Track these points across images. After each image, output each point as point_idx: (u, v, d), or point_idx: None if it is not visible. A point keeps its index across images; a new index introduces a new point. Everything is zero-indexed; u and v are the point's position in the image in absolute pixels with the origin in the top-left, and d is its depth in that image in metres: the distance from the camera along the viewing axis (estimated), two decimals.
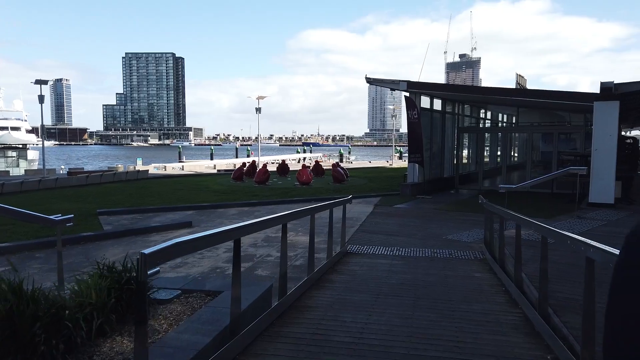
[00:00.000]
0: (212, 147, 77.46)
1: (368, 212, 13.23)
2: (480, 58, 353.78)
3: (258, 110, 36.54)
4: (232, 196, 16.31)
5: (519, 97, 14.98)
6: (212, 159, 54.82)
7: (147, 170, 25.42)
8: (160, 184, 20.76)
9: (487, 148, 24.09)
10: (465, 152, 21.86)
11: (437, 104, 19.52)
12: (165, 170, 37.39)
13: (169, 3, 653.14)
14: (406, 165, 42.47)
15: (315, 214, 6.40)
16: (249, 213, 13.20)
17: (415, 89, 16.94)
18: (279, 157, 53.40)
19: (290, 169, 20.00)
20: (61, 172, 34.48)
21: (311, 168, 25.04)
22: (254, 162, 22.12)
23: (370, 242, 9.28)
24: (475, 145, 22.66)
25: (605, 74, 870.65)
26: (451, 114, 20.79)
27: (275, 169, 24.83)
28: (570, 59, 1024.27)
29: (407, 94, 16.93)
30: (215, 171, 33.69)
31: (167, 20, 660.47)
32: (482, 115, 24.38)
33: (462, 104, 20.96)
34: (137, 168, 29.36)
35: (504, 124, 23.59)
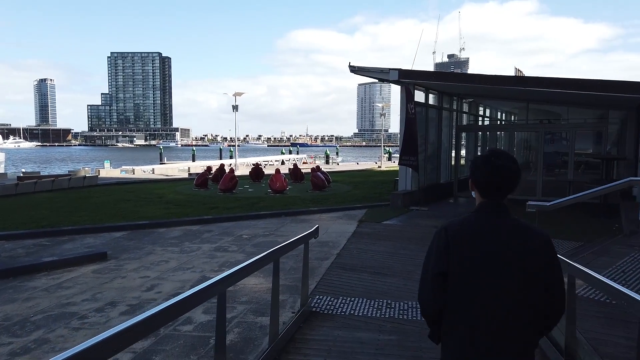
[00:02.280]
0: (194, 148, 74.75)
1: (350, 232, 10.32)
2: (468, 58, 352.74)
3: (235, 107, 33.63)
4: (186, 209, 13.30)
5: (538, 89, 12.23)
6: (194, 160, 53.08)
7: (97, 176, 22.23)
8: (106, 192, 17.65)
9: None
10: (463, 154, 19.06)
11: (432, 99, 16.71)
12: (134, 173, 34.23)
13: (155, 2, 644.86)
14: (396, 167, 39.52)
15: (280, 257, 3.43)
16: (195, 235, 10.21)
17: (409, 78, 14.07)
18: (257, 159, 50.40)
19: (277, 172, 17.04)
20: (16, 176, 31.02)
21: (290, 172, 22.12)
22: (222, 165, 19.16)
23: (348, 290, 6.37)
24: (476, 145, 19.90)
25: (591, 74, 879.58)
26: (448, 110, 17.96)
27: (248, 173, 21.81)
28: (557, 59, 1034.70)
29: (406, 84, 14.07)
30: (186, 175, 30.56)
31: (154, 20, 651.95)
32: (482, 113, 21.63)
33: (461, 100, 18.16)
34: (86, 174, 26.13)
35: (510, 122, 20.84)
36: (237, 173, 19.34)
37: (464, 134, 18.68)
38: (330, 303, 5.82)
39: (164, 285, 6.68)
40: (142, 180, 23.47)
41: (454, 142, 18.61)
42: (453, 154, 18.20)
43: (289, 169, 22.41)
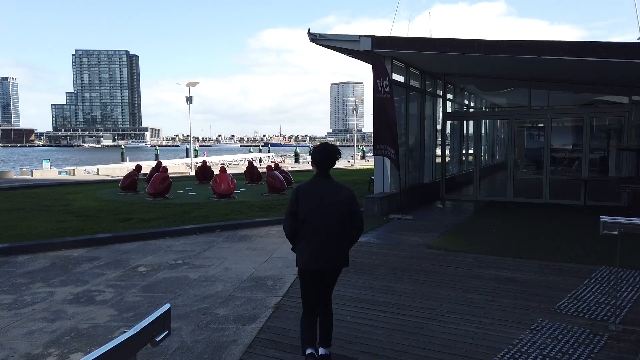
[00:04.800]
0: (157, 148, 71.08)
1: None
2: None
3: (189, 99, 29.94)
4: (87, 222, 9.71)
5: (548, 56, 9.17)
6: (123, 160, 52.82)
7: None
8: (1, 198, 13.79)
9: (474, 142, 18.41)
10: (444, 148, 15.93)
11: (414, 81, 13.54)
12: (74, 174, 30.18)
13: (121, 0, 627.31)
14: (370, 166, 36.31)
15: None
16: (65, 267, 6.64)
17: (385, 48, 10.81)
18: (220, 158, 46.75)
19: (221, 171, 13.59)
20: None
21: (245, 172, 18.62)
22: (159, 164, 15.58)
23: None
24: (465, 137, 16.86)
25: None
26: (432, 95, 14.84)
27: (194, 174, 18.18)
28: None
29: (381, 57, 10.79)
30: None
31: (121, 18, 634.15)
32: (473, 103, 18.61)
33: (447, 84, 15.03)
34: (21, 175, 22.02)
35: (509, 108, 17.73)
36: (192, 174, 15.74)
37: (450, 124, 15.57)
38: None
39: None
40: (64, 183, 19.54)
41: (439, 135, 15.53)
42: (439, 149, 15.09)
43: (246, 168, 18.90)
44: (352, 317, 4.66)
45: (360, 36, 10.92)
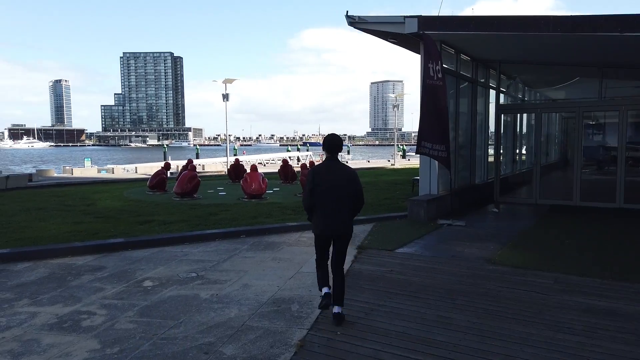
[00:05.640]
0: (198, 147, 71.85)
1: None
2: None
3: (225, 97, 29.25)
4: (105, 224, 8.93)
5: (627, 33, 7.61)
6: (197, 158, 52.24)
7: (28, 176, 18.07)
8: (25, 197, 13.34)
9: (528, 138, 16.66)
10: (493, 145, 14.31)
11: (465, 69, 12.11)
12: (113, 173, 30.26)
13: (167, 2, 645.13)
14: (411, 165, 34.59)
15: None
16: (63, 279, 5.75)
17: (434, 29, 9.47)
18: (257, 157, 46.26)
19: (252, 169, 12.64)
20: None
21: (279, 171, 17.63)
22: (189, 162, 14.81)
23: None
24: (517, 135, 15.22)
25: None
26: (484, 86, 13.34)
27: (226, 172, 17.34)
28: None
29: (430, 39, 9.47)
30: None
31: (165, 20, 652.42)
32: (529, 97, 16.88)
33: (501, 71, 13.45)
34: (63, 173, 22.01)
35: (577, 100, 15.79)
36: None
37: (505, 118, 13.96)
38: None
39: None
40: (95, 181, 19.20)
41: (491, 130, 13.98)
42: (491, 146, 13.54)
43: (280, 166, 17.90)
44: None
45: (405, 17, 9.63)
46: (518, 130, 15.50)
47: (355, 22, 10.19)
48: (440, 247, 7.33)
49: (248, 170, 13.44)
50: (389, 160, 39.41)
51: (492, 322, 4.29)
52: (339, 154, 4.58)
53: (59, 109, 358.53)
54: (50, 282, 5.62)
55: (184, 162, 19.77)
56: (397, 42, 11.24)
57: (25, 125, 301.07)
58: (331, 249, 4.40)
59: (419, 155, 10.13)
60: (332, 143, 4.43)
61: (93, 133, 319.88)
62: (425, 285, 5.38)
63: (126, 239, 7.55)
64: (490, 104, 13.93)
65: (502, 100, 13.94)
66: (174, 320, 4.41)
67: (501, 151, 13.46)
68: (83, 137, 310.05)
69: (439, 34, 9.60)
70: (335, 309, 4.27)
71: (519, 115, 15.12)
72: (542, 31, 8.39)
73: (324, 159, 4.61)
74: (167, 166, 15.61)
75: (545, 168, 15.60)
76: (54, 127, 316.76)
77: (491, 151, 13.86)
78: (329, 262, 4.45)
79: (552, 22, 8.32)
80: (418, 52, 10.55)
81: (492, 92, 13.71)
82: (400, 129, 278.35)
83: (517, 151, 15.75)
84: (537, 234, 8.36)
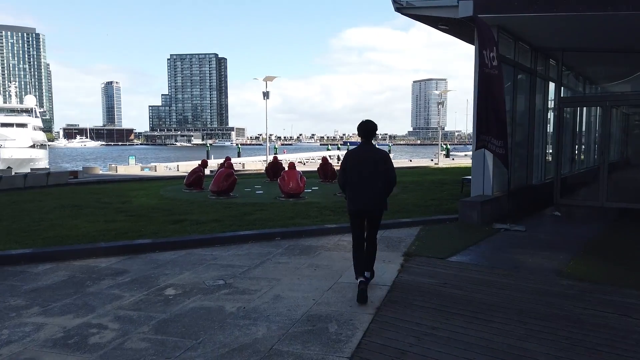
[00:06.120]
0: (239, 146, 72.48)
1: (383, 285, 5.05)
2: None
3: (266, 95, 29.03)
4: (136, 223, 8.54)
5: None
6: (238, 156, 52.74)
7: (73, 175, 18.25)
8: (64, 193, 13.30)
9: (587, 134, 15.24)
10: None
11: (523, 58, 11.00)
12: (156, 171, 30.69)
13: (211, 5, 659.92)
14: (456, 165, 33.25)
15: None
16: (81, 283, 5.28)
17: (491, 12, 8.51)
18: (297, 155, 45.84)
19: (290, 167, 12.08)
20: None
21: (318, 169, 16.99)
22: (227, 159, 14.39)
23: None
24: (577, 132, 13.90)
25: None
26: (544, 78, 12.16)
27: (264, 170, 16.85)
28: None
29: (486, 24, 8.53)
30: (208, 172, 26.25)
31: (211, 21, 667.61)
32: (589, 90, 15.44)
33: (563, 60, 12.20)
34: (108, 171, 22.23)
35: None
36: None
37: (567, 112, 12.70)
38: None
39: None
40: (135, 179, 19.19)
41: (550, 125, 12.78)
42: (549, 145, 12.35)
43: (319, 165, 17.26)
44: None
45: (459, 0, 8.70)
46: (577, 126, 14.17)
47: (403, 7, 9.38)
48: (500, 256, 6.41)
49: (286, 169, 12.87)
50: (432, 160, 38.02)
51: (580, 356, 3.42)
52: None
53: (109, 109, 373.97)
54: (66, 288, 5.16)
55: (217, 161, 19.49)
56: (449, 29, 10.33)
57: (78, 125, 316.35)
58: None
59: (468, 154, 9.20)
60: (366, 127, 4.86)
61: (141, 132, 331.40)
62: (488, 303, 4.53)
63: (154, 240, 7.06)
64: (549, 97, 12.72)
65: (562, 94, 12.69)
66: (192, 339, 3.79)
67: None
68: (132, 137, 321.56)
69: (496, 17, 8.63)
70: (366, 274, 4.79)
71: (578, 110, 13.80)
72: (619, 10, 7.28)
73: (361, 142, 4.96)
74: (204, 164, 15.29)
75: (610, 167, 14.18)
76: (105, 127, 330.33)
77: (548, 149, 12.68)
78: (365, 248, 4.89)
79: None
80: (471, 42, 9.62)
81: (551, 85, 12.50)
82: (443, 128, 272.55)
83: (576, 149, 14.42)
84: (612, 242, 7.28)
